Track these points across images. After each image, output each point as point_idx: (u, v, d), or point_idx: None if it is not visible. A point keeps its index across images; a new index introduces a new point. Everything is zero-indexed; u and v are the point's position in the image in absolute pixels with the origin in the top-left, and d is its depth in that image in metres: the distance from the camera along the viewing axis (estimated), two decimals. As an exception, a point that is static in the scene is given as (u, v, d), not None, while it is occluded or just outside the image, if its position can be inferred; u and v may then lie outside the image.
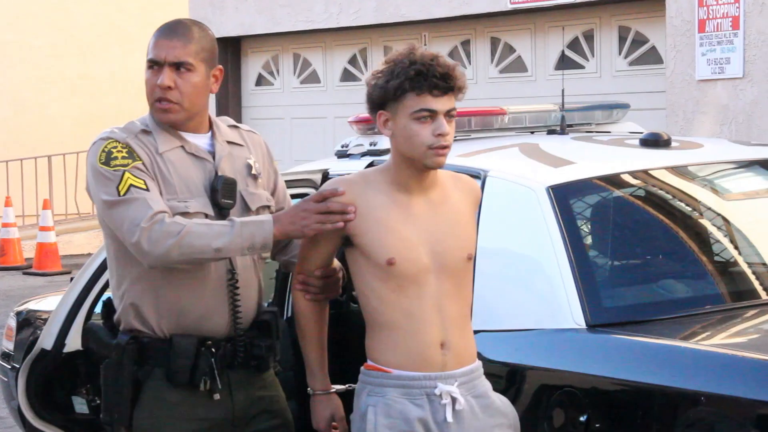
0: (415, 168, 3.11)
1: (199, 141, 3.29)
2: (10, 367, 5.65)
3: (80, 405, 4.25)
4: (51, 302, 5.62)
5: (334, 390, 3.24)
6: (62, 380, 4.26)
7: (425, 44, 10.85)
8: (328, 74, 11.94)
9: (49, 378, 4.21)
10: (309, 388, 3.26)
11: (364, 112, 4.72)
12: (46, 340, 4.14)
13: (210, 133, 3.32)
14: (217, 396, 3.22)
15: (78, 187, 15.94)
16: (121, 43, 17.21)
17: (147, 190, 3.12)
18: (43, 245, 13.71)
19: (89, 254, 15.59)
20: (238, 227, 3.09)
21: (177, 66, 3.22)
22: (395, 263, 3.05)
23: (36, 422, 4.25)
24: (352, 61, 11.75)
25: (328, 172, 4.47)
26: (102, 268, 4.22)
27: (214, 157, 3.28)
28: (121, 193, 3.12)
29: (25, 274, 13.62)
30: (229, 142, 3.34)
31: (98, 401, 4.25)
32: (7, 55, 16.53)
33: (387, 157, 4.25)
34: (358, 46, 11.65)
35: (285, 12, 11.78)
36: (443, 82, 3.05)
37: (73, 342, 4.14)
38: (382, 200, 3.10)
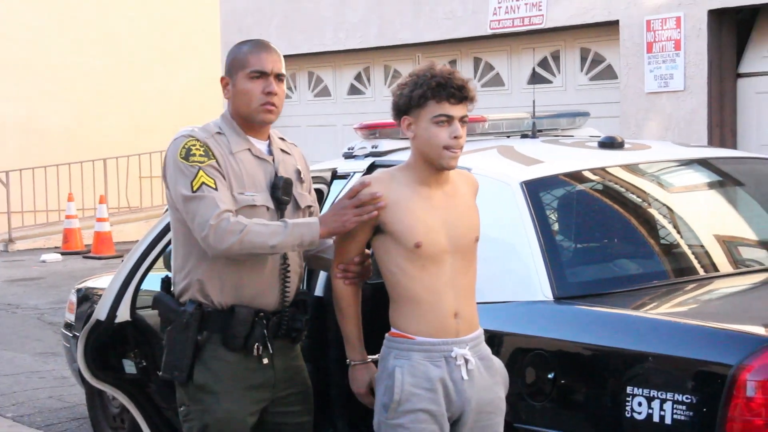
0: (433, 167, 3.12)
1: (261, 146, 3.30)
2: (72, 335, 5.65)
3: (129, 367, 4.24)
4: (106, 281, 5.62)
5: (370, 360, 3.21)
6: (114, 346, 4.25)
7: (418, 63, 10.82)
8: (337, 89, 11.92)
9: (102, 344, 4.20)
10: (348, 360, 3.21)
11: (367, 120, 4.74)
12: (101, 311, 4.13)
13: (268, 141, 3.33)
14: (265, 360, 3.23)
15: (129, 185, 15.95)
16: (165, 63, 17.18)
17: (216, 189, 3.11)
18: (100, 234, 13.71)
19: (138, 241, 15.48)
20: (291, 227, 3.10)
21: (279, 77, 3.27)
22: (421, 246, 3.05)
23: (93, 381, 4.24)
24: (358, 77, 11.73)
25: (336, 170, 4.47)
26: (148, 250, 4.22)
27: (273, 161, 3.29)
28: (194, 188, 3.10)
29: (84, 258, 13.63)
30: (281, 150, 3.36)
31: (144, 364, 4.25)
32: (70, 74, 16.50)
33: (387, 158, 4.28)
34: (363, 65, 11.62)
35: (302, 37, 11.75)
36: (459, 92, 3.07)
37: (123, 313, 4.13)
38: (407, 193, 3.10)
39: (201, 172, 3.13)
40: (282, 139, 3.40)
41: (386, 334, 3.13)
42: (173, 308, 3.22)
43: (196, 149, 3.17)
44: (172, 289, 3.27)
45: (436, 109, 3.06)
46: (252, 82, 3.24)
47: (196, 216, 3.09)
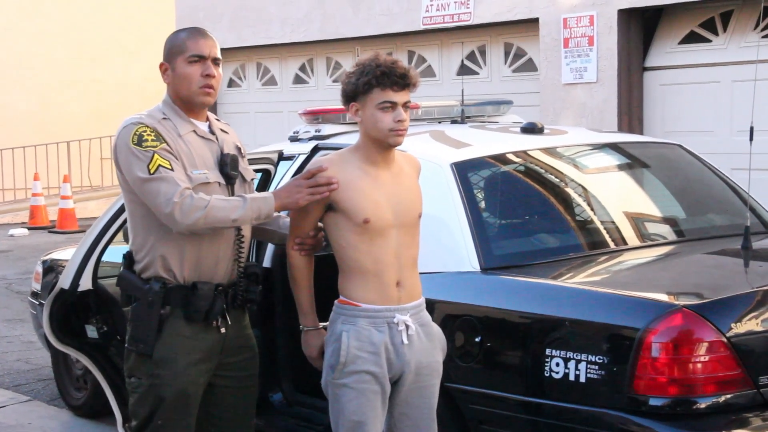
0: (381, 146, 3.07)
1: (203, 127, 3.21)
2: (38, 303, 5.53)
3: (91, 332, 4.16)
4: (70, 253, 5.51)
5: (321, 326, 3.17)
6: (77, 313, 4.15)
7: (358, 55, 10.76)
8: (284, 78, 11.80)
9: (66, 311, 4.10)
10: (301, 325, 3.16)
11: (311, 107, 4.69)
12: (65, 281, 4.03)
13: (207, 122, 3.24)
14: (223, 330, 3.15)
15: (91, 165, 15.68)
16: (123, 54, 16.89)
17: (172, 170, 3.02)
18: (64, 210, 13.48)
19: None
20: (249, 202, 3.02)
21: (215, 61, 3.17)
22: (369, 222, 3.02)
23: (58, 345, 4.15)
24: (302, 68, 11.62)
25: (282, 152, 4.41)
26: (107, 225, 4.12)
27: (217, 140, 3.21)
28: (151, 171, 2.99)
29: (49, 232, 13.37)
30: (221, 130, 3.27)
31: (105, 329, 4.16)
32: (34, 63, 16.17)
33: (329, 141, 4.23)
34: (307, 57, 11.51)
35: (250, 31, 11.60)
36: (401, 80, 3.03)
37: (86, 283, 4.03)
38: (356, 173, 3.06)
39: (156, 156, 3.02)
40: (217, 119, 3.33)
41: (335, 301, 3.11)
42: (138, 286, 3.09)
43: (147, 135, 3.06)
44: (134, 266, 3.12)
45: (381, 96, 3.02)
46: (191, 66, 3.13)
47: (158, 195, 2.98)
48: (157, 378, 3.08)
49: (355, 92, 3.06)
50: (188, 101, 3.16)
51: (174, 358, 3.07)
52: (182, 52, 3.15)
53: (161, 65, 3.19)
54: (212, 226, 3.02)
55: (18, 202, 15.15)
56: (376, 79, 3.02)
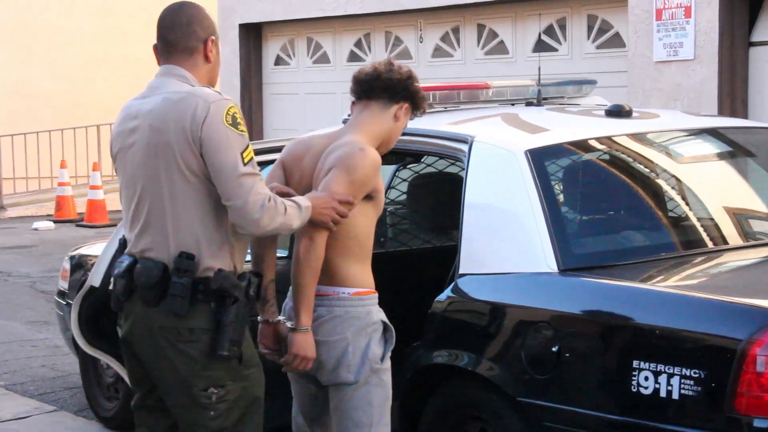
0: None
1: None
2: (65, 303, 5.65)
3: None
4: (100, 248, 5.61)
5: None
6: (108, 313, 4.23)
7: (421, 30, 10.77)
8: (337, 55, 11.85)
9: (96, 311, 4.18)
10: (298, 325, 3.23)
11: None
12: (95, 277, 4.11)
13: None
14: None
15: (123, 152, 15.93)
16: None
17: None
18: (93, 201, 13.70)
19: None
20: (303, 211, 3.14)
21: None
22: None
23: (86, 348, 4.23)
24: (358, 44, 11.66)
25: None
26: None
27: None
28: (245, 161, 2.99)
29: (77, 226, 13.62)
30: None
31: None
32: (61, 38, 16.44)
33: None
34: (363, 32, 11.55)
35: (300, 2, 11.67)
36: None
37: None
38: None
39: (250, 146, 3.02)
40: None
41: (349, 293, 3.27)
42: (236, 283, 3.08)
43: (240, 118, 3.05)
44: (197, 260, 3.05)
45: (408, 117, 3.47)
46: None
47: (250, 193, 2.96)
48: (248, 378, 3.14)
49: (408, 97, 3.41)
50: (212, 87, 3.19)
51: (256, 353, 3.21)
52: (216, 32, 3.19)
53: (212, 39, 3.15)
54: (278, 232, 3.12)
55: (43, 192, 15.44)
56: (422, 104, 3.45)
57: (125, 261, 3.18)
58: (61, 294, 5.75)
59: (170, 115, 3.03)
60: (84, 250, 5.73)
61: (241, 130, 3.02)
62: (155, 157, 3.07)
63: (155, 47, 3.21)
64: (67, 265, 5.69)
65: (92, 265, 5.42)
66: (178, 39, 3.13)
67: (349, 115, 4.51)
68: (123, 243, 3.28)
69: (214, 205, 3.06)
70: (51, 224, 13.60)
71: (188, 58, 3.14)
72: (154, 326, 3.08)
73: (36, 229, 13.28)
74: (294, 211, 3.09)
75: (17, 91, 16.04)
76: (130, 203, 3.17)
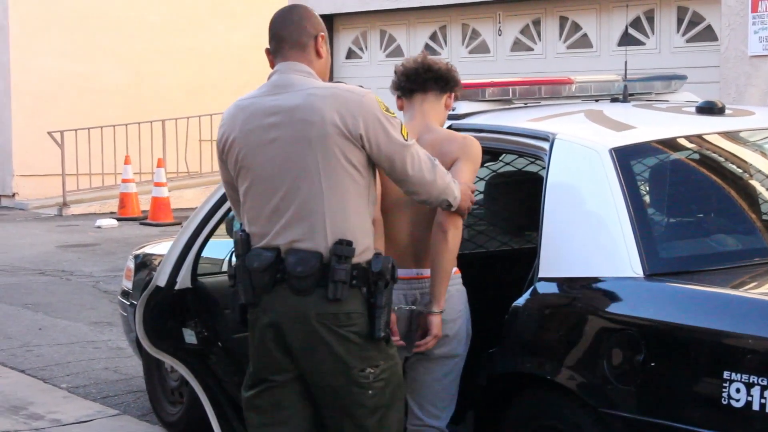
0: None
1: None
2: (129, 303, 5.76)
3: (189, 336, 4.30)
4: (165, 247, 5.71)
5: None
6: (174, 314, 4.31)
7: (500, 22, 10.76)
8: (411, 49, 11.89)
9: (162, 312, 4.26)
10: (438, 307, 3.65)
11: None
12: (160, 277, 4.19)
13: None
14: None
15: (188, 148, 16.14)
16: (225, 19, 17.28)
17: None
18: (157, 199, 13.90)
19: (197, 208, 15.72)
20: (459, 187, 3.52)
21: None
22: None
23: (151, 350, 4.31)
24: (433, 37, 11.68)
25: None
26: (208, 216, 4.26)
27: None
28: (405, 137, 3.34)
29: (141, 224, 13.84)
30: None
31: (206, 333, 4.31)
32: (127, 29, 16.66)
33: (464, 122, 4.28)
34: (439, 24, 11.57)
35: (373, -8, 11.75)
36: None
37: (184, 280, 4.18)
38: None
39: (403, 125, 3.39)
40: None
41: (456, 274, 3.73)
42: (389, 267, 3.35)
43: (385, 104, 3.37)
44: (354, 245, 3.26)
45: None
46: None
47: (423, 161, 3.35)
48: (393, 357, 3.41)
49: (455, 85, 3.88)
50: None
51: (389, 335, 3.41)
52: (324, 29, 3.47)
53: (322, 35, 3.43)
54: (444, 197, 3.47)
55: (106, 188, 15.70)
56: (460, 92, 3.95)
57: (265, 254, 3.30)
58: (125, 294, 5.86)
59: (324, 108, 3.27)
60: (149, 249, 5.84)
61: (393, 114, 3.35)
62: (310, 149, 3.27)
63: (267, 51, 3.47)
64: (131, 265, 5.79)
65: (157, 264, 5.54)
66: (291, 34, 3.39)
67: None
68: (245, 239, 3.35)
69: (365, 193, 3.34)
70: (114, 222, 13.83)
71: (302, 54, 3.40)
72: (310, 314, 3.27)
73: (99, 227, 13.53)
74: (454, 182, 3.48)
75: (80, 84, 16.33)
76: (269, 198, 3.32)
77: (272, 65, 3.44)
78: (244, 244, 3.35)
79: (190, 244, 4.19)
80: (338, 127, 3.26)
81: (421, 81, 3.82)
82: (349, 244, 3.26)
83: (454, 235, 3.62)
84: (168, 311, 4.27)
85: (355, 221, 3.30)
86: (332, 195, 3.27)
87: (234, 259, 3.39)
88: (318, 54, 3.41)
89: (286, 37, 3.40)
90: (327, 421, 3.38)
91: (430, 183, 3.38)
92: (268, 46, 3.46)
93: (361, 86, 3.38)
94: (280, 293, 3.29)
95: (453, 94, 3.88)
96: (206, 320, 4.30)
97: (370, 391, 3.31)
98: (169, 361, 4.40)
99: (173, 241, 4.26)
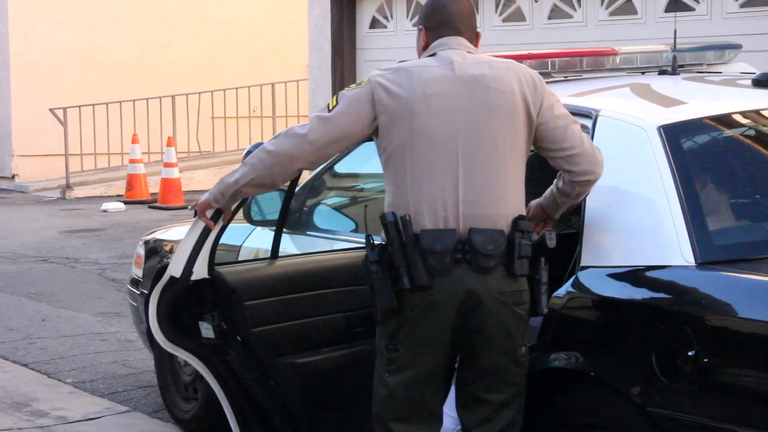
0: None
1: None
2: (139, 293, 5.79)
3: (206, 330, 4.31)
4: (178, 231, 5.73)
5: None
6: (189, 306, 4.32)
7: (536, -13, 10.70)
8: (440, 17, 11.85)
9: (177, 304, 4.27)
10: None
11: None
12: (175, 267, 4.19)
13: None
14: None
15: (200, 126, 16.17)
16: (239, -14, 17.30)
17: None
18: (167, 180, 13.94)
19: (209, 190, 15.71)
20: None
21: None
22: None
23: (165, 345, 4.33)
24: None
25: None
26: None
27: None
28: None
29: (150, 207, 13.91)
30: None
31: (224, 327, 4.33)
32: (133, -1, 16.74)
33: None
34: (470, -10, 11.53)
35: (399, -44, 11.71)
36: None
37: (200, 270, 4.19)
38: None
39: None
40: None
41: None
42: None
43: None
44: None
45: None
46: None
47: (584, 139, 3.58)
48: None
49: None
50: None
51: None
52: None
53: (480, 33, 3.74)
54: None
55: (113, 170, 15.77)
56: None
57: (446, 235, 3.43)
58: (135, 282, 5.89)
59: (511, 79, 3.52)
60: (160, 234, 5.86)
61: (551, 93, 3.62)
62: (498, 119, 3.50)
63: (424, 29, 3.67)
64: (141, 251, 5.82)
65: (169, 251, 5.57)
66: (466, 29, 3.66)
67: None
68: (404, 220, 3.44)
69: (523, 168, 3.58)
70: (121, 205, 13.91)
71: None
72: (492, 292, 3.47)
73: (105, 211, 13.61)
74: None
75: (85, 57, 16.38)
76: (449, 168, 3.47)
77: (426, 43, 3.66)
78: (406, 226, 3.43)
79: (207, 229, 4.18)
80: (524, 98, 3.50)
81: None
82: (526, 218, 3.52)
83: None
84: (184, 303, 4.29)
85: (522, 195, 3.56)
86: (513, 168, 3.51)
87: (390, 242, 3.44)
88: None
89: (462, 31, 3.64)
90: (467, 399, 3.60)
91: (597, 159, 3.56)
92: (426, 26, 3.66)
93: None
94: (457, 273, 3.44)
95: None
96: (224, 313, 4.31)
97: (524, 369, 3.57)
98: (183, 355, 4.42)
99: (189, 227, 4.26)
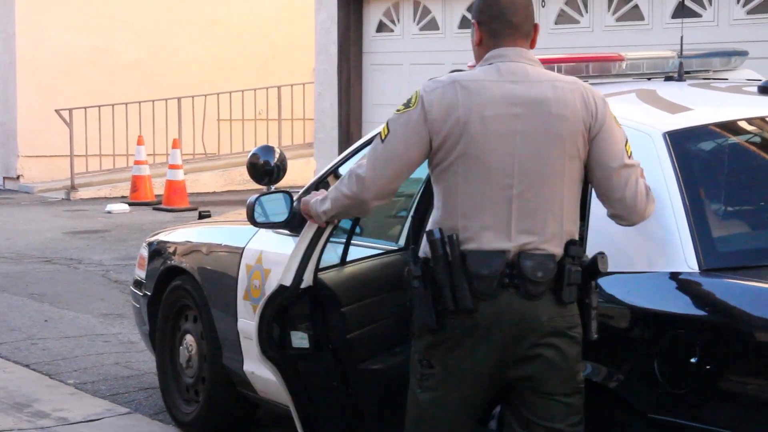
0: None
1: None
2: (142, 294, 5.79)
3: (299, 340, 4.17)
4: (181, 234, 5.73)
5: None
6: (281, 318, 4.14)
7: (543, -7, 10.71)
8: (447, 22, 11.86)
9: (278, 315, 4.12)
10: None
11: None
12: (286, 275, 4.07)
13: None
14: None
15: (206, 128, 16.19)
16: (248, -10, 17.32)
17: None
18: (172, 183, 13.97)
19: (214, 192, 15.97)
20: None
21: None
22: None
23: (261, 357, 4.17)
24: (471, 9, 11.64)
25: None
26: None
27: None
28: (629, 153, 3.43)
29: (154, 209, 13.92)
30: None
31: (320, 335, 4.21)
32: (139, 0, 16.72)
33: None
34: (477, -6, 11.53)
35: (406, -40, 11.72)
36: None
37: (308, 278, 4.08)
38: None
39: (628, 140, 3.48)
40: None
41: None
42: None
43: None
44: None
45: None
46: None
47: (637, 185, 3.40)
48: None
49: None
50: None
51: None
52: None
53: (536, 25, 3.50)
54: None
55: (117, 171, 15.80)
56: None
57: (494, 259, 3.30)
58: (138, 284, 5.89)
59: (575, 103, 3.37)
60: (163, 236, 5.85)
61: (619, 125, 3.43)
62: (558, 146, 3.35)
63: (478, 28, 3.46)
64: (144, 253, 5.82)
65: (173, 253, 5.56)
66: (522, 22, 3.45)
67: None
68: (452, 239, 3.31)
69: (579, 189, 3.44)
70: (126, 207, 13.93)
71: (525, 43, 3.46)
72: (542, 318, 3.33)
73: (109, 212, 13.63)
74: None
75: (91, 59, 16.41)
76: (501, 193, 3.33)
77: (481, 46, 3.47)
78: (453, 245, 3.31)
79: (316, 237, 4.06)
80: (582, 123, 3.36)
81: None
82: (579, 244, 3.40)
83: None
84: (281, 315, 4.13)
85: (576, 221, 3.44)
86: (569, 194, 3.38)
87: (435, 260, 3.31)
88: (533, 44, 3.47)
89: (517, 24, 3.43)
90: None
91: (639, 211, 3.40)
92: (479, 20, 3.46)
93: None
94: (504, 298, 3.31)
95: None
96: (320, 322, 4.21)
97: (581, 395, 3.39)
98: (270, 370, 4.24)
99: (299, 237, 4.09)
